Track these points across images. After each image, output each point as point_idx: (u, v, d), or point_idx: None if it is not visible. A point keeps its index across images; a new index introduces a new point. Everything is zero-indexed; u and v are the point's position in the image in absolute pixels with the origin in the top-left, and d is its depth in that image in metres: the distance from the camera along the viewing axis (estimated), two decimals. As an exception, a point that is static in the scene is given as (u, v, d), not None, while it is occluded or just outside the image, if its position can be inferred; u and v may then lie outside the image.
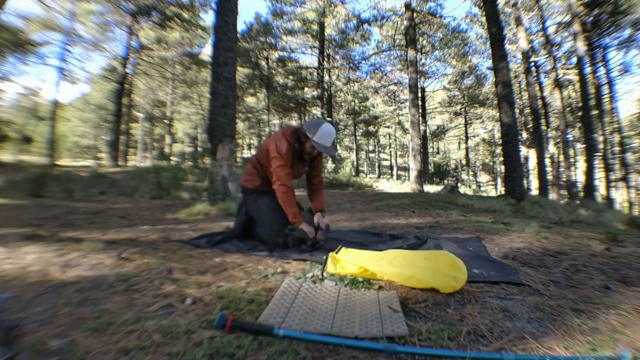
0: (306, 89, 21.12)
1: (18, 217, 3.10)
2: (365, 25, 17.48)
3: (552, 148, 16.57)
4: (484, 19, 10.71)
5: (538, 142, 12.32)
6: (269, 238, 2.08)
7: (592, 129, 12.10)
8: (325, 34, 18.42)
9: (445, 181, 20.00)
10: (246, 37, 18.32)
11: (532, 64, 14.46)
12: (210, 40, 11.61)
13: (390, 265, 1.41)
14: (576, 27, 12.25)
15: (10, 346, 0.81)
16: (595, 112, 13.79)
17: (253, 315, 1.07)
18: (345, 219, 3.52)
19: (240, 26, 19.40)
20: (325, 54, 18.51)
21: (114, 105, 15.13)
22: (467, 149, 28.56)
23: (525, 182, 14.54)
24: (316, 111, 18.47)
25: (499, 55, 7.20)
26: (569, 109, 16.37)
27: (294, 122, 25.75)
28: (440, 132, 28.14)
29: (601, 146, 14.60)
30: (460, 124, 27.26)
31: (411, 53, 12.65)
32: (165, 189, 6.42)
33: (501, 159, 10.38)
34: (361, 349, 0.88)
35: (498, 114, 7.61)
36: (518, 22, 13.05)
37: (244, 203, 2.31)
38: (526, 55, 13.15)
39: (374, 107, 27.71)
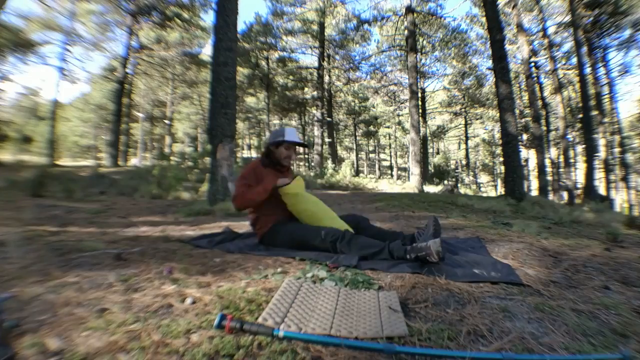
0: (306, 89, 21.10)
1: (18, 217, 3.10)
2: (366, 26, 17.49)
3: (552, 149, 16.57)
4: (484, 19, 10.72)
5: (538, 143, 12.33)
6: (318, 241, 1.96)
7: (592, 130, 12.11)
8: (325, 34, 18.41)
9: (445, 182, 20.00)
10: (246, 37, 18.31)
11: (532, 64, 14.46)
12: (210, 40, 11.61)
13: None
14: (579, 32, 12.25)
15: (10, 346, 0.81)
16: (595, 112, 13.80)
17: (253, 315, 1.07)
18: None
19: (240, 26, 19.37)
20: (325, 54, 18.49)
21: (114, 105, 15.14)
22: (467, 149, 28.53)
23: (525, 183, 14.56)
24: (316, 111, 18.45)
25: (499, 56, 7.20)
26: (569, 109, 16.37)
27: (293, 122, 25.75)
28: (440, 133, 28.12)
29: (602, 148, 14.61)
30: (460, 124, 27.23)
31: (412, 58, 12.65)
32: (165, 189, 6.43)
33: (501, 159, 10.39)
34: (361, 349, 0.88)
35: (498, 114, 7.62)
36: (519, 27, 13.04)
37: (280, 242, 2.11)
38: (527, 61, 13.15)
39: (374, 108, 27.70)
